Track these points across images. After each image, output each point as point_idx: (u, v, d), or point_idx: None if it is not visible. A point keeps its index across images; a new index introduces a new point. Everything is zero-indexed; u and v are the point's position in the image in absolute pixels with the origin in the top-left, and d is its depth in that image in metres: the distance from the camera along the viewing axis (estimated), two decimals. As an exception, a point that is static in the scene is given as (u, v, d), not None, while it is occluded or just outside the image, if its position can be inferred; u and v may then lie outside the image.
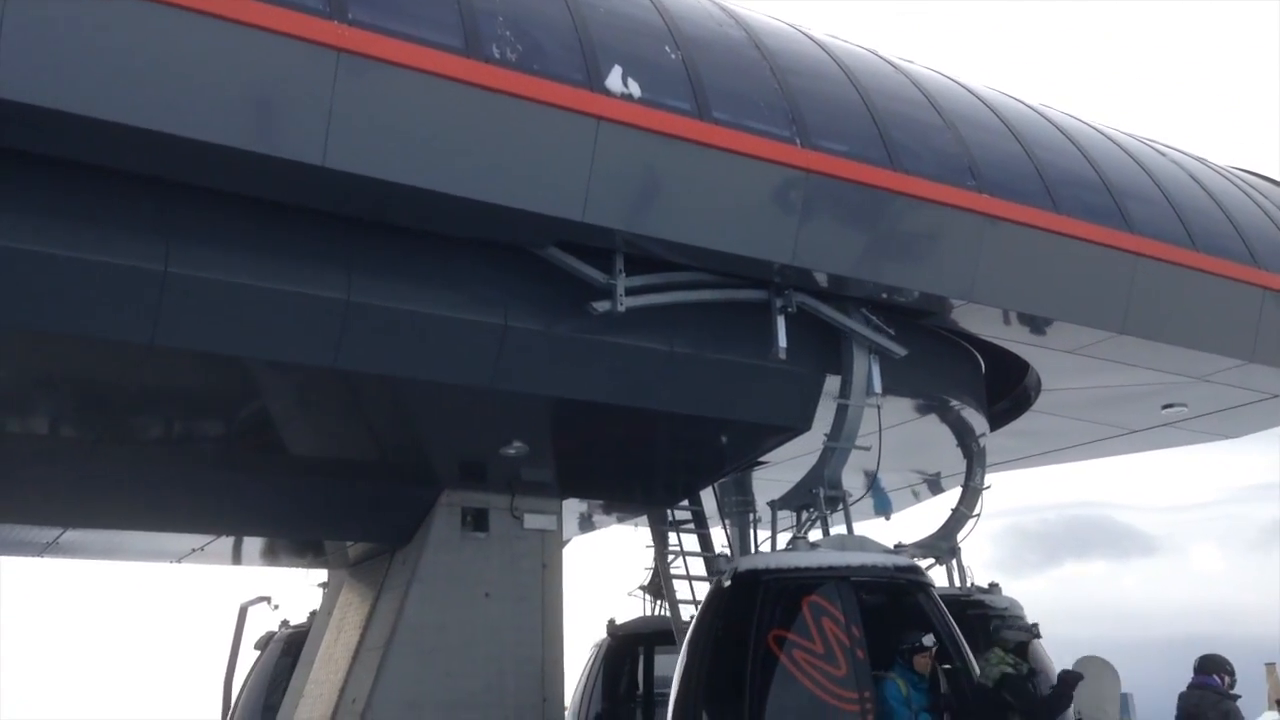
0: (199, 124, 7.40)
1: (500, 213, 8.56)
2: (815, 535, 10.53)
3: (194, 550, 13.56)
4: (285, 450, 11.00)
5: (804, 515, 10.71)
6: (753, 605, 9.47)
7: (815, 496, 10.53)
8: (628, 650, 14.29)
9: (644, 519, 14.33)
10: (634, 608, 14.88)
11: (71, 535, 12.53)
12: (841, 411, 10.57)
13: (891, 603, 9.94)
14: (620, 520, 15.05)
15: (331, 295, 8.66)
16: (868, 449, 10.76)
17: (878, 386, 10.63)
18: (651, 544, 14.74)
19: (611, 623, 14.54)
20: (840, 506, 10.62)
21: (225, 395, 9.81)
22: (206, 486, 11.08)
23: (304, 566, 14.61)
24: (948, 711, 9.51)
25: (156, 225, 8.05)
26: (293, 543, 13.91)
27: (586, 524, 15.07)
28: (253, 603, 15.01)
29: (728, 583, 9.87)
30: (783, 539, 10.83)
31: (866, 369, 10.59)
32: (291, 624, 14.97)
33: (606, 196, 8.74)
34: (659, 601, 14.54)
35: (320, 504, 11.71)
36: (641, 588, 14.74)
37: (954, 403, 12.09)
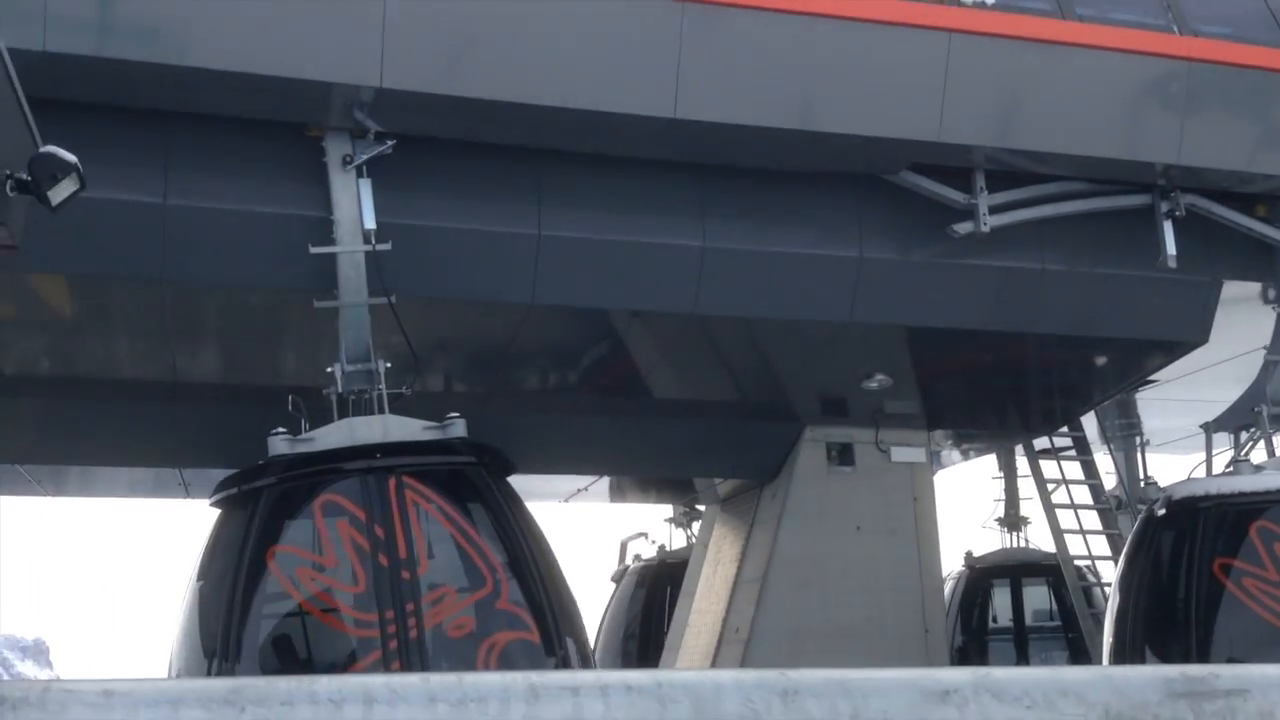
0: (554, 91, 7.76)
1: (852, 142, 8.42)
2: (1258, 457, 9.88)
3: (579, 490, 14.44)
4: (653, 394, 11.44)
5: (1243, 436, 10.00)
6: (1194, 533, 9.10)
7: (1258, 415, 9.84)
8: (985, 583, 13.89)
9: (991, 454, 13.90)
10: (987, 540, 14.48)
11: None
12: None
13: None
14: (966, 457, 14.61)
15: (687, 243, 8.87)
16: None
17: None
18: (1000, 475, 14.24)
19: (969, 555, 14.15)
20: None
21: (598, 346, 10.31)
22: (588, 431, 11.73)
23: (677, 503, 15.21)
24: None
25: (528, 192, 8.55)
26: (665, 481, 14.53)
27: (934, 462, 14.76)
28: (632, 538, 15.83)
29: (1161, 511, 9.38)
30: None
31: None
32: (643, 558, 15.54)
33: (963, 112, 8.43)
34: (1015, 533, 14.02)
35: (689, 443, 12.10)
36: (998, 520, 14.26)
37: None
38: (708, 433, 11.91)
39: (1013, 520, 14.37)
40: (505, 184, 8.54)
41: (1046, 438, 12.24)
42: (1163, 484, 10.06)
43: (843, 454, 11.71)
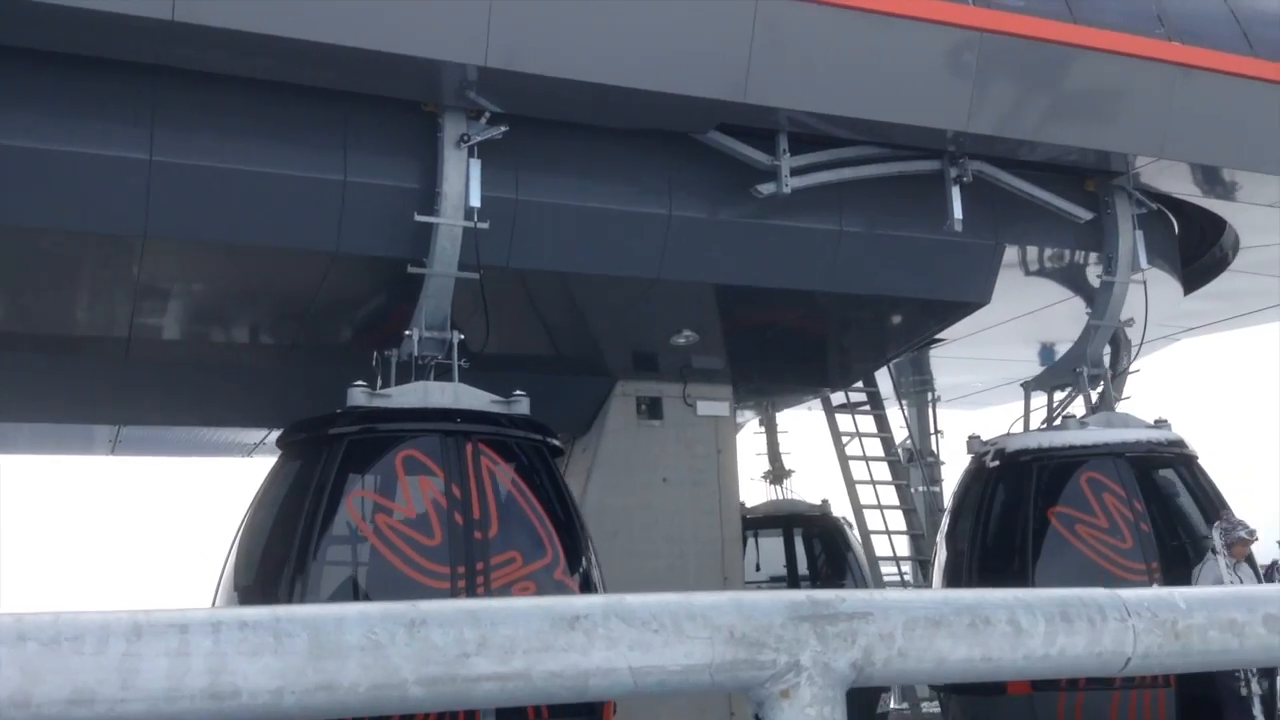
0: (357, 32, 7.50)
1: (662, 100, 8.43)
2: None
3: None
4: (466, 349, 11.33)
5: (1059, 395, 10.78)
6: (1028, 483, 9.69)
7: (1078, 376, 10.52)
8: (756, 533, 14.62)
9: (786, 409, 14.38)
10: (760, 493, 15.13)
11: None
12: (1105, 289, 10.52)
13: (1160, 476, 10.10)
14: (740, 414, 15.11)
15: (502, 196, 8.79)
16: (1130, 323, 10.64)
17: (1144, 261, 10.48)
18: (762, 430, 14.81)
19: (743, 506, 14.75)
20: (1100, 385, 10.58)
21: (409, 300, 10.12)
22: None
23: None
24: None
25: (335, 133, 8.27)
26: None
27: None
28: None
29: (994, 462, 9.88)
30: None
31: (1132, 242, 10.38)
32: None
33: (768, 75, 8.48)
34: (778, 486, 14.76)
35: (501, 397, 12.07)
36: (764, 475, 14.83)
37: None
38: (519, 387, 11.89)
39: (776, 474, 14.96)
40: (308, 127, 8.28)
41: (843, 392, 12.75)
42: (949, 437, 10.68)
43: (652, 408, 11.93)
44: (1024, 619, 1.87)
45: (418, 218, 8.21)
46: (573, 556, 8.04)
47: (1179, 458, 10.11)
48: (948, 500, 13.91)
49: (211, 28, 7.04)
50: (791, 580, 14.15)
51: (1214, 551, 8.97)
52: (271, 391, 11.16)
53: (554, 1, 7.93)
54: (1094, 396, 10.70)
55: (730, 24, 8.34)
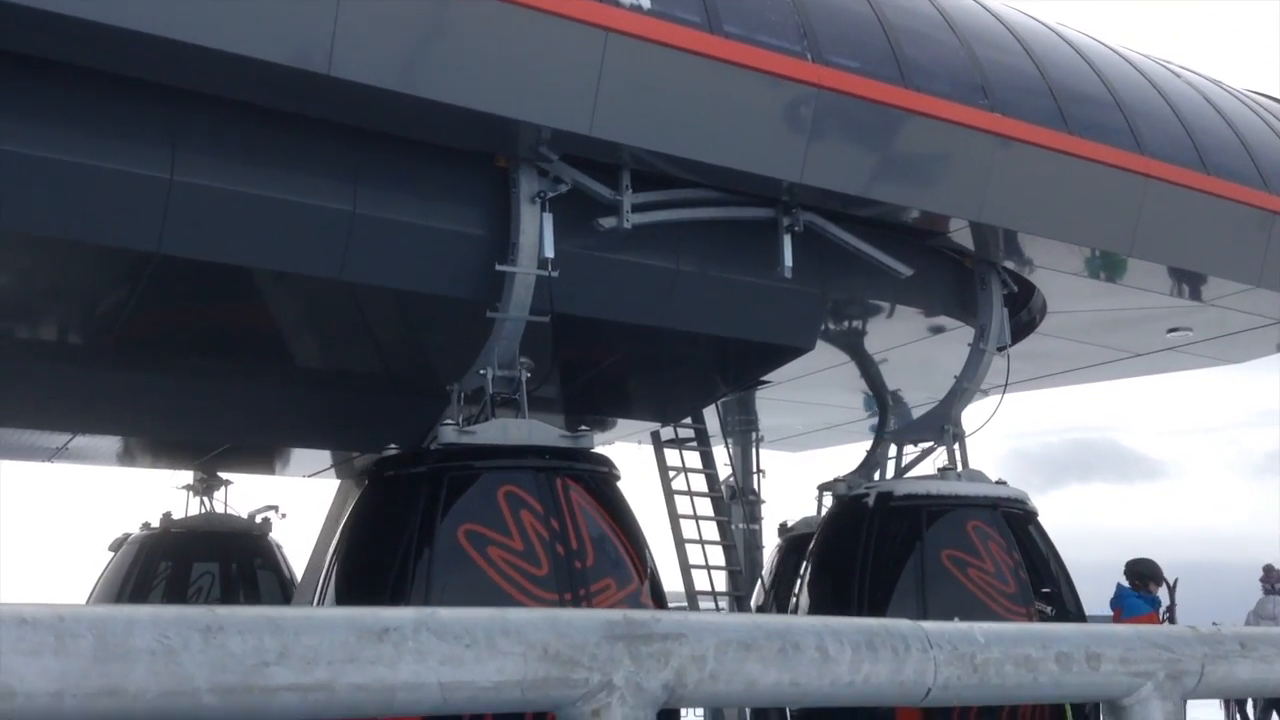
0: (207, 31, 7.28)
1: (508, 125, 8.46)
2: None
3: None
4: (295, 362, 11.09)
5: (906, 448, 11.67)
6: (919, 526, 10.31)
7: (944, 433, 11.30)
8: None
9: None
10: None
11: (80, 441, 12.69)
12: (976, 356, 11.37)
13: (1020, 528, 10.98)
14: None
15: (339, 207, 8.66)
16: (985, 393, 11.59)
17: (1007, 337, 11.51)
18: None
19: None
20: (958, 443, 11.36)
21: (236, 306, 9.85)
22: (222, 395, 11.16)
23: (198, 470, 14.70)
24: None
25: (159, 135, 7.99)
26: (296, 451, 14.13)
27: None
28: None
29: (872, 503, 10.55)
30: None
31: (1000, 318, 11.36)
32: (152, 526, 14.43)
33: (614, 110, 8.60)
34: None
35: (330, 415, 11.84)
36: None
37: (958, 324, 12.11)
38: (350, 405, 11.64)
39: None
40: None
41: (671, 428, 12.94)
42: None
43: (481, 434, 11.79)
44: (831, 646, 1.90)
45: (498, 267, 8.85)
46: (652, 580, 8.69)
47: (1028, 513, 11.05)
48: (768, 537, 14.31)
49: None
50: None
51: None
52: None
53: (405, 15, 7.87)
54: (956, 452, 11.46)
55: (580, 57, 8.43)
